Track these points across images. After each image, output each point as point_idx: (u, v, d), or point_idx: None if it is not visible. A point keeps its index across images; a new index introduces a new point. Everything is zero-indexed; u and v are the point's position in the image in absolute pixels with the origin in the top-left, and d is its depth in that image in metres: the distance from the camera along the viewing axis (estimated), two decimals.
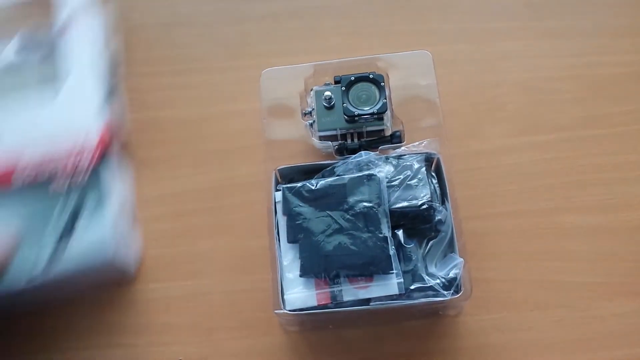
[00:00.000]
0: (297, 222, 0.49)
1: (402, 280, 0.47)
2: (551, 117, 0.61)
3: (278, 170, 0.52)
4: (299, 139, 0.57)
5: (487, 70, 0.63)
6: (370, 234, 0.47)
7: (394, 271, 0.47)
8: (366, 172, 0.50)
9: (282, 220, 0.50)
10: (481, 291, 0.54)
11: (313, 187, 0.49)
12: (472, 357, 0.53)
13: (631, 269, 0.55)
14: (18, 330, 0.56)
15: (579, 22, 0.65)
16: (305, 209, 0.49)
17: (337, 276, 0.48)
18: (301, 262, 0.48)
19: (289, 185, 0.50)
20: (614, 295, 0.54)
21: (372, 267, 0.47)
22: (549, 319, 0.54)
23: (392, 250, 0.47)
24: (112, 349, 0.55)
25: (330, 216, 0.48)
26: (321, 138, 0.55)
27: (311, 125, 0.56)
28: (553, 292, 0.55)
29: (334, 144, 0.55)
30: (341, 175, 0.50)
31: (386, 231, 0.48)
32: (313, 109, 0.55)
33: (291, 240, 0.49)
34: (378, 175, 0.49)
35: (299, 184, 0.50)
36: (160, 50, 0.66)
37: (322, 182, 0.50)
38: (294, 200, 0.49)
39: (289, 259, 0.49)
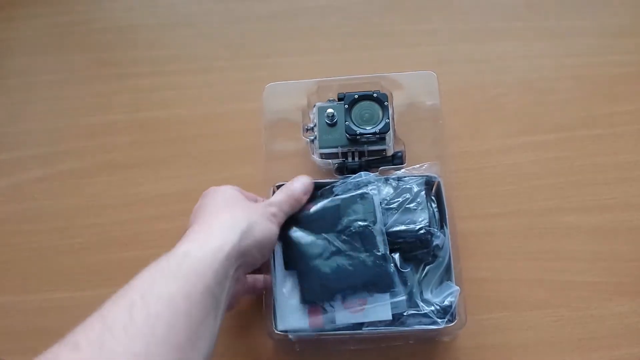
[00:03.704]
0: (293, 248, 0.48)
1: (404, 297, 0.46)
2: (551, 117, 0.61)
3: (276, 186, 0.52)
4: (299, 155, 0.57)
5: (487, 70, 0.63)
6: (367, 253, 0.47)
7: (395, 288, 0.46)
8: (359, 192, 0.49)
9: (277, 246, 0.49)
10: (481, 291, 0.54)
11: (307, 212, 0.49)
12: (472, 357, 0.53)
13: (631, 269, 0.55)
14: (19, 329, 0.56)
15: (579, 22, 0.65)
16: (300, 234, 0.48)
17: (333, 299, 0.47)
18: (301, 289, 0.48)
19: None
20: (614, 295, 0.54)
21: (372, 286, 0.46)
22: (548, 319, 0.54)
23: (391, 268, 0.47)
24: None
25: (327, 239, 0.48)
26: (322, 155, 0.54)
27: (312, 141, 0.55)
28: (553, 292, 0.55)
29: (334, 162, 0.54)
30: (339, 194, 0.50)
31: (383, 249, 0.47)
32: (315, 125, 0.55)
33: (288, 267, 0.48)
34: (370, 193, 0.49)
35: None
36: (160, 50, 0.66)
37: (316, 207, 0.49)
38: (289, 226, 0.49)
39: (288, 288, 0.48)
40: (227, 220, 0.42)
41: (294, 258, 0.48)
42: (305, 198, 0.49)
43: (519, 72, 0.63)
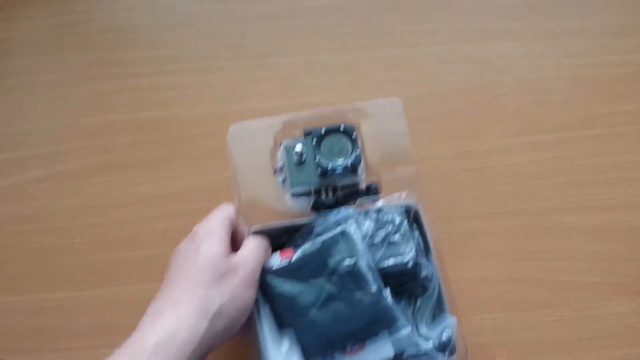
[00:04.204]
0: (284, 303, 0.45)
1: (409, 328, 0.44)
2: (551, 117, 0.61)
3: (253, 231, 0.49)
4: (273, 195, 0.54)
5: (487, 70, 0.63)
6: (362, 292, 0.44)
7: (398, 322, 0.44)
8: (337, 230, 0.46)
9: (264, 308, 0.46)
10: (481, 291, 0.54)
11: (289, 262, 0.46)
12: (472, 357, 0.53)
13: (631, 269, 0.55)
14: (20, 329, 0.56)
15: (579, 22, 0.65)
16: (288, 286, 0.45)
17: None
18: (302, 348, 0.45)
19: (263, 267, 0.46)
20: (614, 295, 0.54)
21: (376, 325, 0.44)
22: (548, 319, 0.54)
23: (389, 302, 0.44)
24: (112, 348, 0.55)
25: (317, 285, 0.45)
26: (294, 195, 0.51)
27: (283, 182, 0.52)
28: (553, 292, 0.55)
29: (309, 200, 0.51)
30: (320, 234, 0.47)
31: (376, 284, 0.44)
32: (284, 165, 0.52)
33: (282, 326, 0.45)
34: (349, 229, 0.46)
35: (273, 265, 0.47)
36: (160, 50, 0.66)
37: (297, 254, 0.46)
38: (273, 282, 0.46)
39: (286, 347, 0.45)
40: (198, 305, 0.41)
41: (287, 314, 0.45)
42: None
43: (519, 72, 0.63)
